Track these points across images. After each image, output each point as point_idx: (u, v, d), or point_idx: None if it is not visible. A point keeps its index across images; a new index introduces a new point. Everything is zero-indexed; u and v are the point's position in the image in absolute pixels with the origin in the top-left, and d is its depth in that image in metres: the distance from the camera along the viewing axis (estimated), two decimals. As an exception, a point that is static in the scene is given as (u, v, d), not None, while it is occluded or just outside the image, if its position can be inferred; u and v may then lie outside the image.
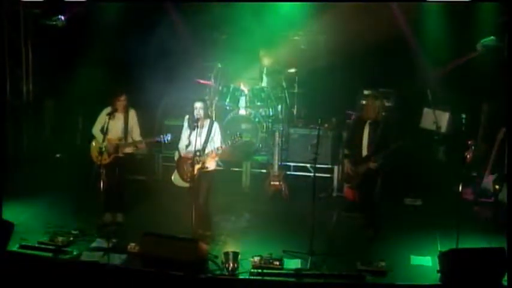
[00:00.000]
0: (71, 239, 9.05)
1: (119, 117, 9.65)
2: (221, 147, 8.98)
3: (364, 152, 9.38)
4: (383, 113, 9.61)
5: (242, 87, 12.18)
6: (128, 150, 9.74)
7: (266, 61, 12.44)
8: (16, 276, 8.17)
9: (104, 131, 9.39)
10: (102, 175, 9.13)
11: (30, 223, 9.56)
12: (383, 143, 9.21)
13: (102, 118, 9.59)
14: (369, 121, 9.40)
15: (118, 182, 9.68)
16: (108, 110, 9.55)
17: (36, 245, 8.85)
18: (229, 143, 9.00)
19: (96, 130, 9.70)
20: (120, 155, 9.64)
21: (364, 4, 11.85)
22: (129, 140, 9.68)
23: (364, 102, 10.84)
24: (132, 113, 9.75)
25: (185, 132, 9.20)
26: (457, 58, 11.97)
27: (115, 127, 9.59)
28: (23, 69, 12.57)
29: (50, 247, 8.81)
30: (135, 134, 9.75)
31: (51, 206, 10.35)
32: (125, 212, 9.84)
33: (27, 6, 12.26)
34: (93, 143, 9.74)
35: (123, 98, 9.61)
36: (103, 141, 9.36)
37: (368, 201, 9.53)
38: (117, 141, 9.61)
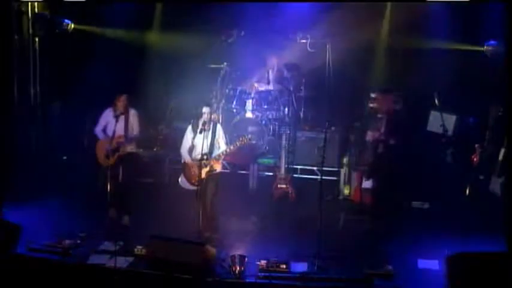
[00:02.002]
0: (78, 241, 9.09)
1: (121, 117, 9.75)
2: (230, 149, 8.99)
3: (374, 144, 9.44)
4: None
5: (249, 90, 12.18)
6: (130, 149, 9.82)
7: (273, 64, 12.42)
8: (23, 279, 8.18)
9: (107, 132, 9.53)
10: (108, 176, 9.17)
11: (37, 225, 9.55)
12: (394, 137, 9.22)
13: (104, 119, 9.77)
14: (380, 116, 9.43)
15: (124, 181, 9.74)
16: (109, 110, 9.72)
17: (44, 248, 8.89)
18: (238, 145, 9.02)
19: (99, 130, 9.85)
20: (122, 153, 9.74)
21: (372, 6, 11.83)
22: (129, 139, 9.81)
23: (371, 105, 10.82)
24: (133, 113, 9.88)
25: (189, 135, 9.23)
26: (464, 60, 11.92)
27: (118, 127, 9.65)
28: (31, 71, 12.57)
29: (57, 250, 8.85)
30: (135, 132, 9.88)
31: (59, 209, 10.35)
32: (132, 214, 9.87)
33: (34, 7, 12.27)
34: (98, 145, 9.83)
35: (123, 98, 9.78)
36: (109, 141, 9.46)
37: (377, 197, 9.54)
38: (118, 139, 9.70)
